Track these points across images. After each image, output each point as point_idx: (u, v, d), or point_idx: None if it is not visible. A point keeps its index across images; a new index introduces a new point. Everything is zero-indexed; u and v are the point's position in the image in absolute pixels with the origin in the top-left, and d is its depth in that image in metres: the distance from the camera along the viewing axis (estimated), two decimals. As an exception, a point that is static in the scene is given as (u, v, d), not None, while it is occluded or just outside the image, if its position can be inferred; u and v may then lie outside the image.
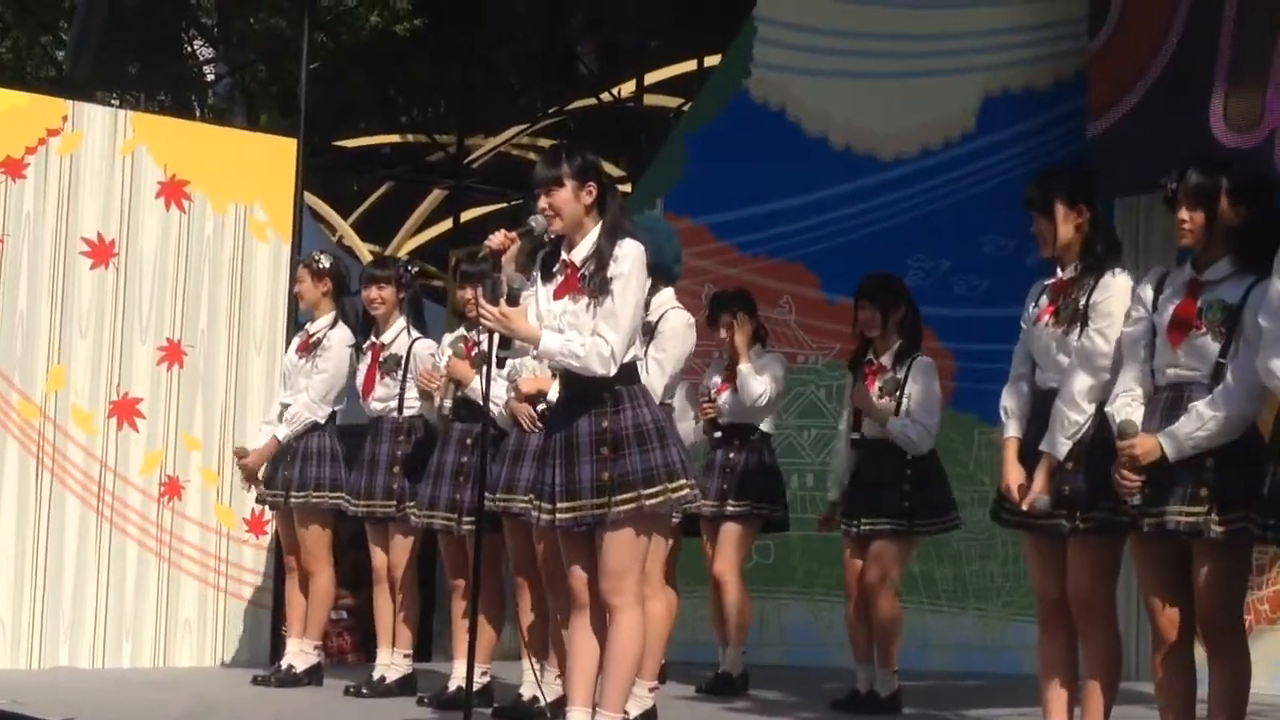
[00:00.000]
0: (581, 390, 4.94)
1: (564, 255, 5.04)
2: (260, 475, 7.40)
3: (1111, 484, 4.73)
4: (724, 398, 7.53)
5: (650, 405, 5.02)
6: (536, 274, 5.09)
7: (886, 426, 6.92)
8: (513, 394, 6.22)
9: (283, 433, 7.30)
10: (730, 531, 7.48)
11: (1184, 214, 4.67)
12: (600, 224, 5.00)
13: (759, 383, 7.40)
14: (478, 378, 6.49)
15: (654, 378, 5.75)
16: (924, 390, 6.98)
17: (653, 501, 4.87)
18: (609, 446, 4.88)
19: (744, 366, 7.36)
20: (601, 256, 4.93)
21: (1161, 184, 4.74)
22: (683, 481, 4.94)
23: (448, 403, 6.72)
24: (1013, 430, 5.18)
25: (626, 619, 4.91)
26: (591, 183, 5.00)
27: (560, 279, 5.02)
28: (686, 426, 7.32)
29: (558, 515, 4.93)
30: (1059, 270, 5.16)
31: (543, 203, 5.00)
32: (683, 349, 5.94)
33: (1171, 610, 4.73)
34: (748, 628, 7.63)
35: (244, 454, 7.46)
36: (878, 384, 7.00)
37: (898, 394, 6.96)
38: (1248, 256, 4.62)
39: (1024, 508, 5.04)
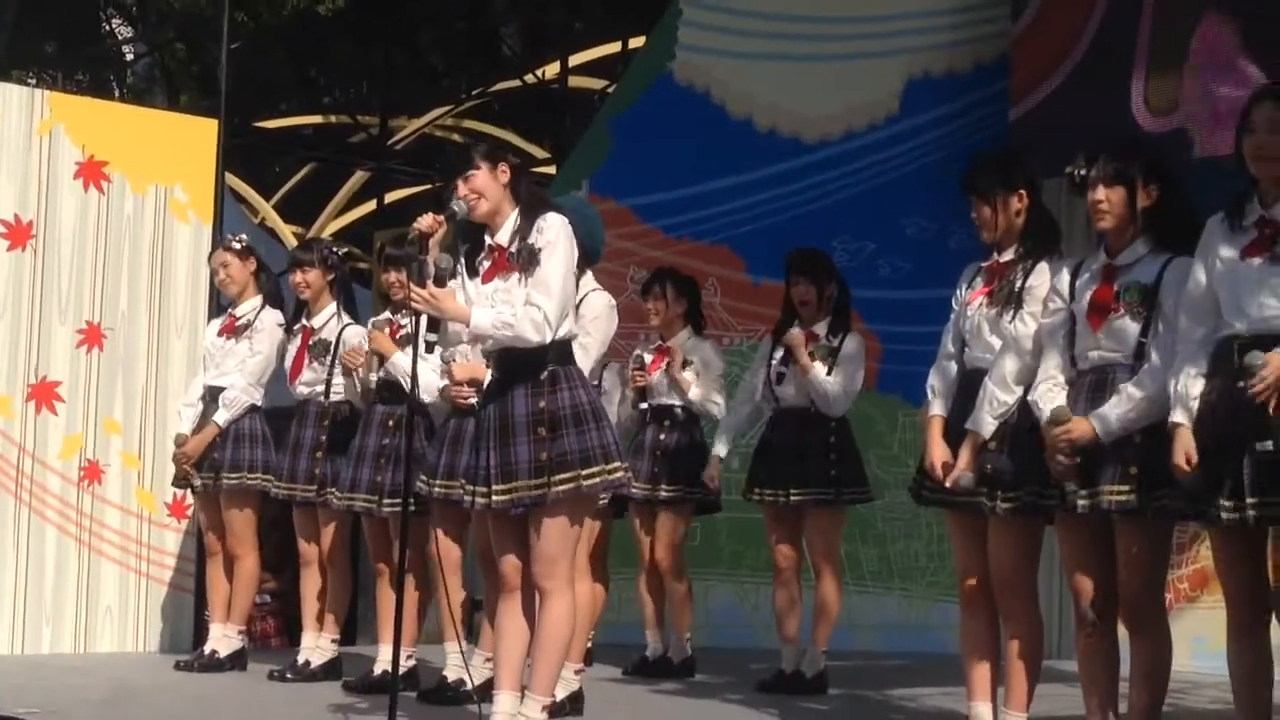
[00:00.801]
0: (517, 370, 4.93)
1: (488, 240, 5.05)
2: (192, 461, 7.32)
3: (1035, 467, 4.77)
4: (655, 377, 7.50)
5: (586, 386, 5.03)
6: (461, 267, 5.08)
7: (810, 375, 6.91)
8: (446, 380, 6.19)
9: (222, 417, 7.23)
10: (667, 520, 7.46)
11: (1101, 194, 4.71)
12: (518, 204, 5.04)
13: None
14: (400, 353, 6.49)
15: (579, 361, 5.74)
16: (853, 360, 7.00)
17: (590, 482, 4.88)
18: (546, 427, 4.87)
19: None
20: (525, 231, 4.96)
21: (1068, 171, 4.78)
22: (618, 464, 4.96)
23: (373, 378, 6.71)
24: (937, 409, 5.22)
25: (558, 603, 4.91)
26: (502, 163, 5.06)
27: (488, 264, 5.03)
28: (616, 410, 7.33)
29: (494, 498, 4.92)
30: (996, 253, 5.19)
31: (463, 190, 5.02)
32: (606, 331, 5.93)
33: (1093, 587, 4.76)
34: (689, 613, 7.62)
35: (182, 441, 7.37)
36: (809, 349, 6.99)
37: (830, 362, 6.97)
38: (1161, 238, 4.68)
39: (947, 484, 5.07)
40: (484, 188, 5.02)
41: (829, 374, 6.96)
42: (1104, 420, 4.62)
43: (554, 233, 4.94)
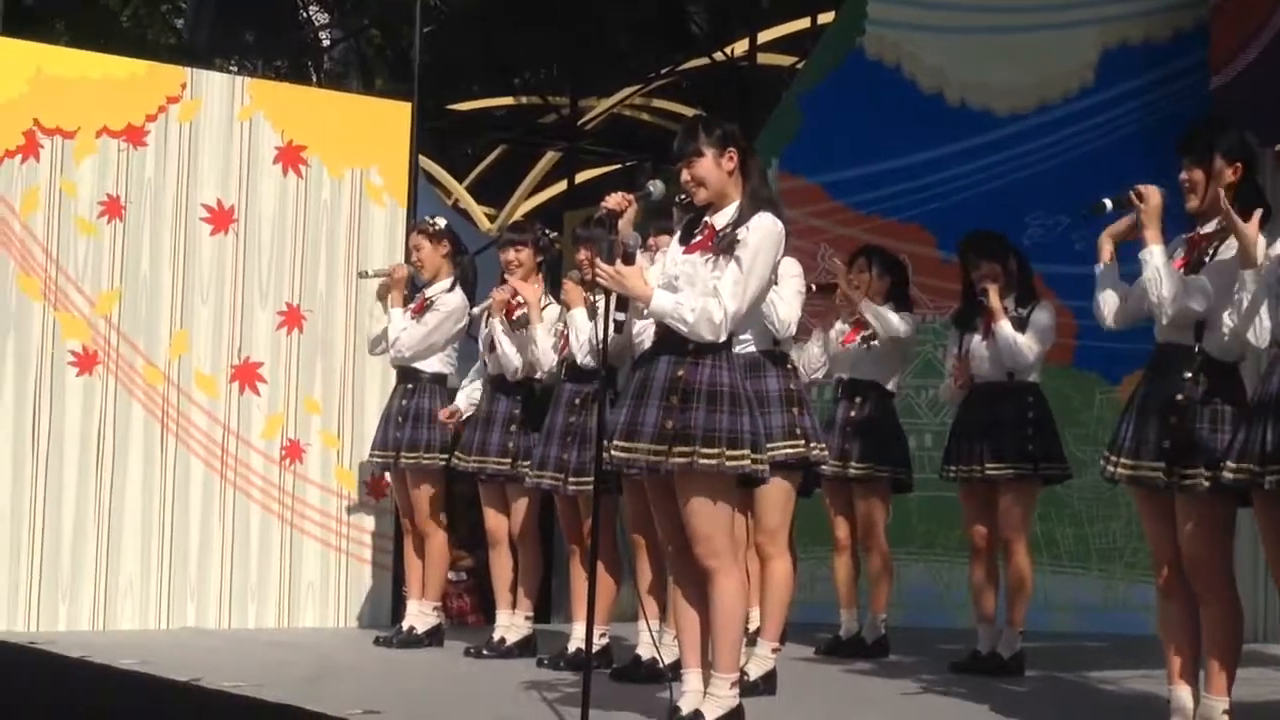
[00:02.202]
0: (670, 336, 4.91)
1: (706, 218, 5.02)
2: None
3: (1231, 445, 4.65)
4: (849, 348, 7.44)
5: (732, 370, 4.92)
6: (675, 237, 5.07)
7: (997, 327, 6.82)
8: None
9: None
10: (863, 499, 7.41)
11: None
12: (743, 191, 4.98)
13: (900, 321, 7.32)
14: (581, 308, 6.51)
15: (778, 310, 5.85)
16: (1043, 327, 6.88)
17: (706, 462, 4.78)
18: (679, 396, 4.83)
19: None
20: (740, 222, 4.91)
21: (1277, 149, 4.65)
22: (747, 452, 4.84)
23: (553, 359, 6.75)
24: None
25: (725, 581, 4.86)
26: (731, 148, 4.97)
27: (697, 239, 5.01)
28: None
29: (614, 452, 4.91)
30: (1198, 226, 5.04)
31: (686, 175, 4.98)
32: (799, 288, 6.03)
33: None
34: (885, 593, 7.56)
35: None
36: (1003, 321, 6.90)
37: (1021, 329, 6.88)
38: None
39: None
40: (706, 174, 4.95)
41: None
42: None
43: (760, 235, 4.85)
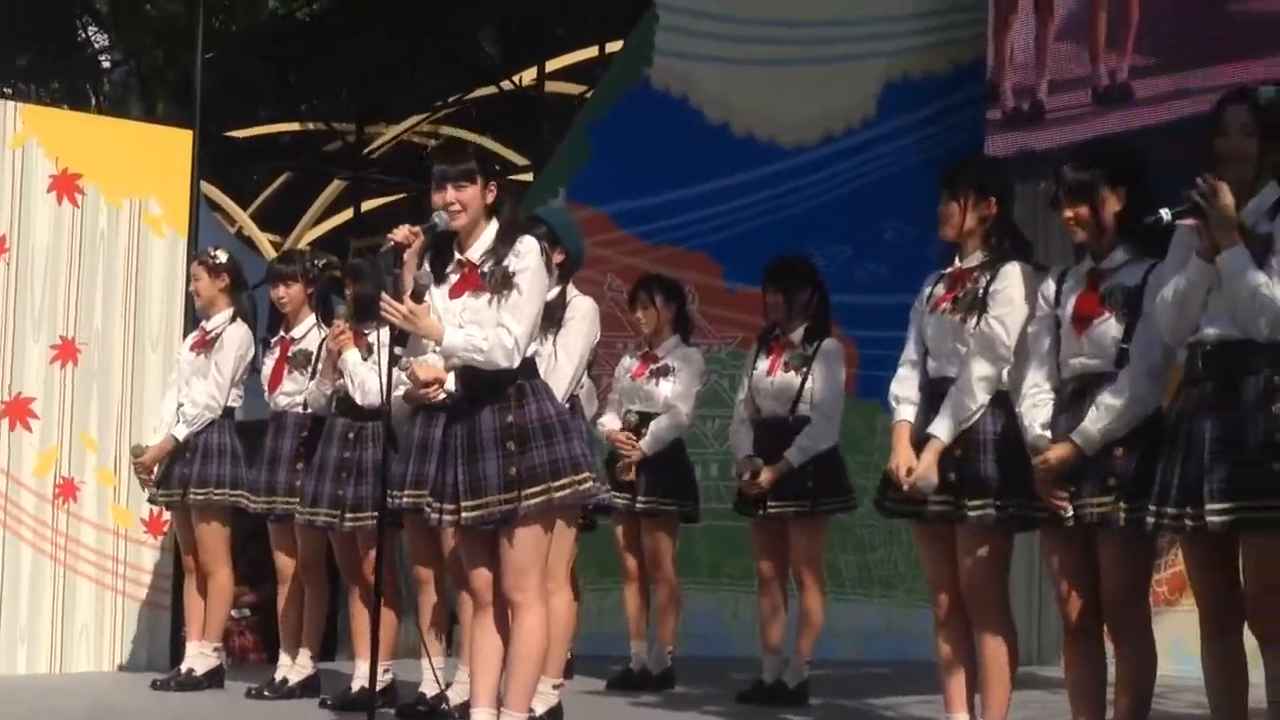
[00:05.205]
0: (483, 387, 4.90)
1: (458, 255, 5.00)
2: (155, 474, 7.29)
3: (1017, 477, 4.77)
4: (639, 382, 7.45)
5: (552, 399, 5.01)
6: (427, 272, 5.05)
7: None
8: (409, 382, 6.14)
9: (181, 431, 7.20)
10: (652, 533, 7.39)
11: (1068, 212, 4.73)
12: (496, 222, 5.00)
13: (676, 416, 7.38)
14: (353, 350, 6.51)
15: (565, 365, 5.74)
16: (827, 379, 6.96)
17: (561, 494, 4.85)
18: (515, 441, 4.84)
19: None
20: (501, 253, 4.92)
21: (1043, 186, 4.78)
22: (588, 474, 4.94)
23: (326, 388, 6.68)
24: (906, 414, 5.16)
25: (530, 616, 4.88)
26: (494, 182, 5.02)
27: (455, 278, 4.99)
28: (607, 418, 7.38)
29: (463, 514, 4.88)
30: (957, 259, 5.16)
31: (451, 197, 4.96)
32: (591, 334, 5.96)
33: (1078, 596, 4.75)
34: (673, 623, 7.57)
35: (140, 452, 7.35)
36: (784, 358, 6.98)
37: (804, 370, 6.94)
38: (1137, 241, 4.65)
39: (905, 488, 5.03)
40: (470, 201, 4.96)
41: (802, 386, 6.92)
42: (1086, 436, 4.60)
43: (531, 258, 4.90)
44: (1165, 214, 4.41)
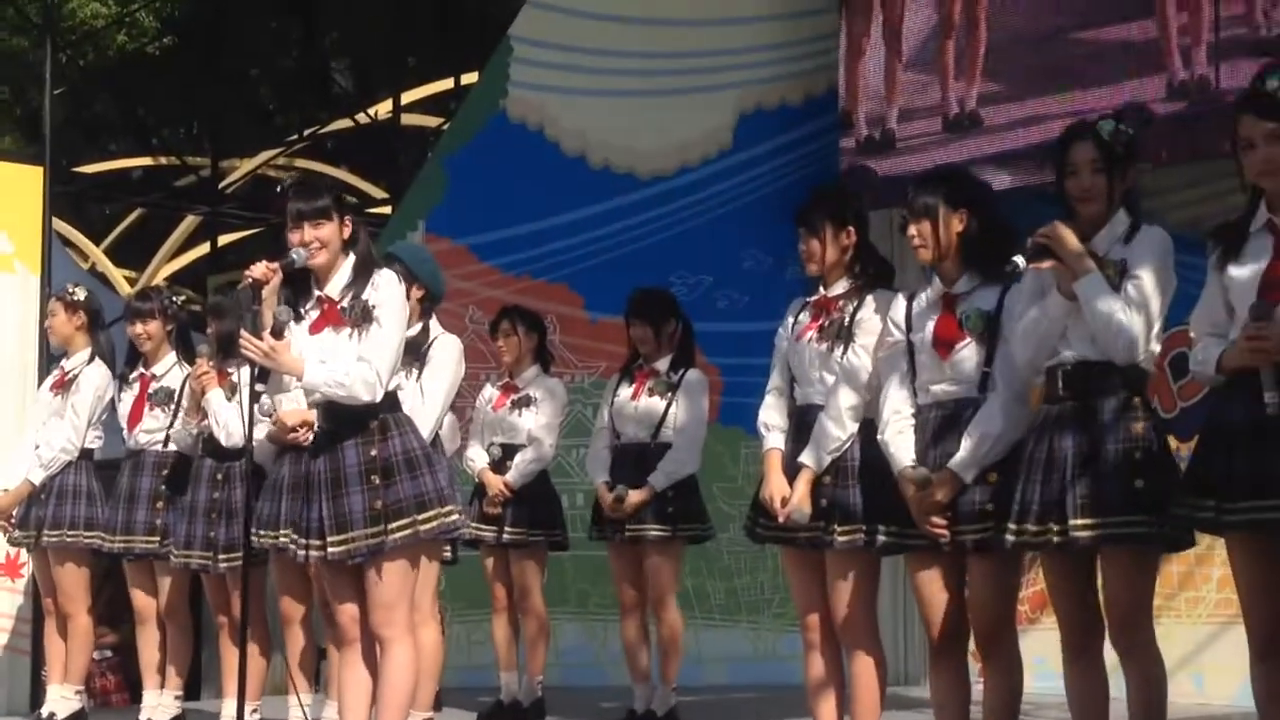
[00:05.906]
0: (346, 421, 4.89)
1: (316, 291, 4.99)
2: (13, 517, 7.16)
3: (883, 502, 4.83)
4: (500, 413, 7.45)
5: (415, 432, 5.01)
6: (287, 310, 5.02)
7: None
8: (274, 426, 6.10)
9: (37, 475, 7.07)
10: (522, 564, 7.37)
11: (912, 229, 4.80)
12: (352, 258, 5.00)
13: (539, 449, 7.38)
14: (216, 389, 6.48)
15: (429, 405, 5.72)
16: (690, 408, 7.00)
17: (427, 527, 4.86)
18: (380, 474, 4.84)
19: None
20: (359, 287, 4.93)
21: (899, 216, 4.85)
22: (452, 507, 4.96)
23: (192, 428, 6.62)
24: (775, 442, 5.21)
25: (399, 650, 4.87)
26: (349, 216, 5.02)
27: (316, 314, 4.97)
28: (474, 451, 7.35)
29: (329, 550, 4.86)
30: (822, 288, 5.23)
31: (309, 235, 4.94)
32: (455, 375, 5.95)
33: (944, 617, 4.79)
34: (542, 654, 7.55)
35: None
36: (649, 384, 7.01)
37: (669, 395, 6.99)
38: (982, 263, 4.72)
39: (780, 519, 5.08)
40: (330, 238, 4.95)
41: (665, 412, 6.96)
42: (964, 466, 4.64)
43: (389, 291, 4.92)
44: (1020, 261, 4.48)
